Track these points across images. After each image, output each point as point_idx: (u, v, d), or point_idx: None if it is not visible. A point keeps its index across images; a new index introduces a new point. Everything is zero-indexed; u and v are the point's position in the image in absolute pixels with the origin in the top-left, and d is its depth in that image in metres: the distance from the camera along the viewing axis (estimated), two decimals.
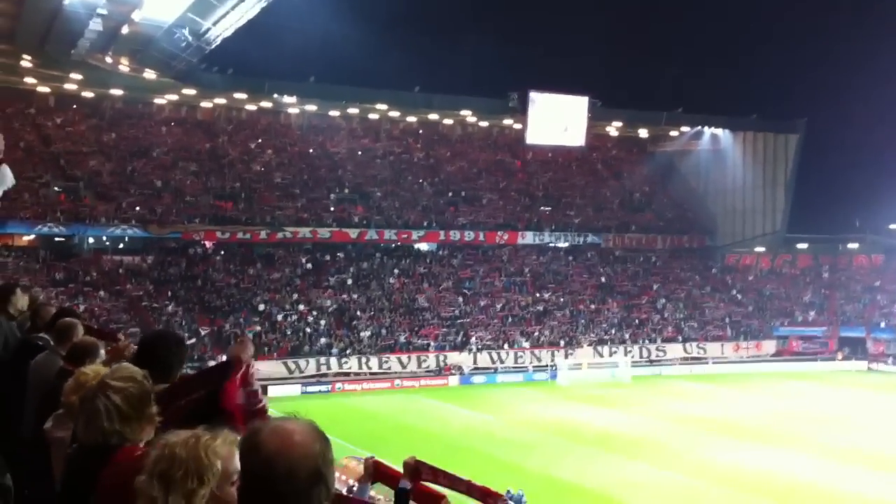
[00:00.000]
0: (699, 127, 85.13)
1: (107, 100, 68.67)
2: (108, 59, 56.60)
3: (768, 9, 79.89)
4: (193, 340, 52.89)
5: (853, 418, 48.06)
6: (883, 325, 73.20)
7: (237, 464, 2.54)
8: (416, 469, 5.31)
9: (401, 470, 5.40)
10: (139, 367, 3.85)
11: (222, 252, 66.22)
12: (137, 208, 63.32)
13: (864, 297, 77.74)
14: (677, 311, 74.05)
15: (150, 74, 60.66)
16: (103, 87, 64.90)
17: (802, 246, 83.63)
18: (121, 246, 63.85)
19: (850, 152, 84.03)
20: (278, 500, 2.23)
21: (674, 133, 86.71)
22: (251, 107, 73.98)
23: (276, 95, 70.93)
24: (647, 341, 69.16)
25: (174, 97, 69.98)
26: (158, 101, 71.25)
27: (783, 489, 33.50)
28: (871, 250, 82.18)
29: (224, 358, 4.32)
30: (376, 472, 5.46)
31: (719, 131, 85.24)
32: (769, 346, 72.62)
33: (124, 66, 58.68)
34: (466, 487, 5.40)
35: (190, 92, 67.50)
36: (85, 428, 3.45)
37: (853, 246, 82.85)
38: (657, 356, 68.18)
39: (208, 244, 65.97)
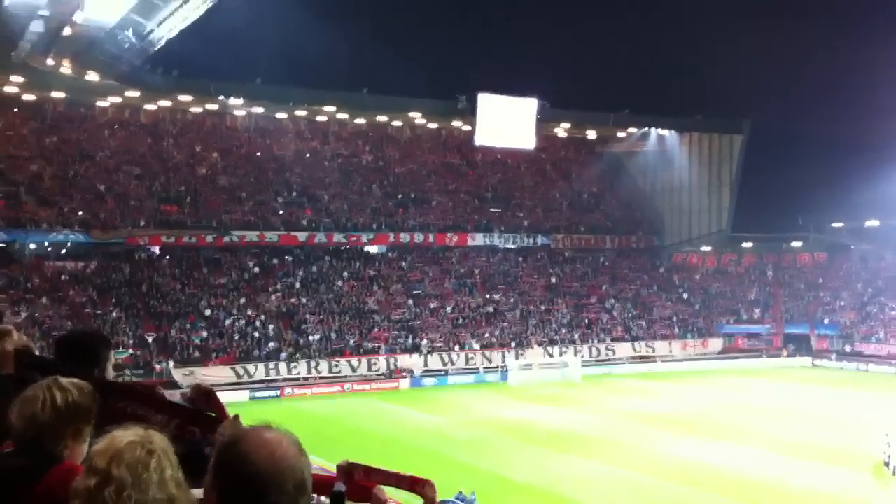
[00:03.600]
0: (646, 128, 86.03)
1: (48, 102, 67.27)
2: (50, 62, 55.52)
3: (713, 10, 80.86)
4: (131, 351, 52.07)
5: (798, 412, 48.81)
6: (826, 321, 74.63)
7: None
8: (350, 471, 5.35)
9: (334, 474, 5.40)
10: (57, 363, 3.65)
11: (167, 257, 65.24)
12: (80, 213, 62.13)
13: (807, 294, 79.17)
14: (626, 310, 74.69)
15: (92, 76, 59.59)
16: (45, 89, 63.58)
17: (747, 245, 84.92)
18: (63, 252, 62.51)
19: (794, 152, 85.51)
20: None
21: (621, 134, 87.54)
22: (196, 109, 73.00)
23: (221, 97, 70.11)
24: (596, 341, 69.64)
25: (118, 100, 68.75)
26: (101, 103, 69.95)
27: (731, 482, 33.83)
28: (814, 248, 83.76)
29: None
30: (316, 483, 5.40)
31: (666, 132, 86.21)
32: (716, 343, 73.59)
33: (66, 68, 57.60)
34: (396, 480, 5.46)
35: (134, 94, 66.38)
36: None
37: (797, 244, 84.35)
38: (606, 355, 68.68)
39: (153, 249, 64.92)
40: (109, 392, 3.96)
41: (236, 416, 3.95)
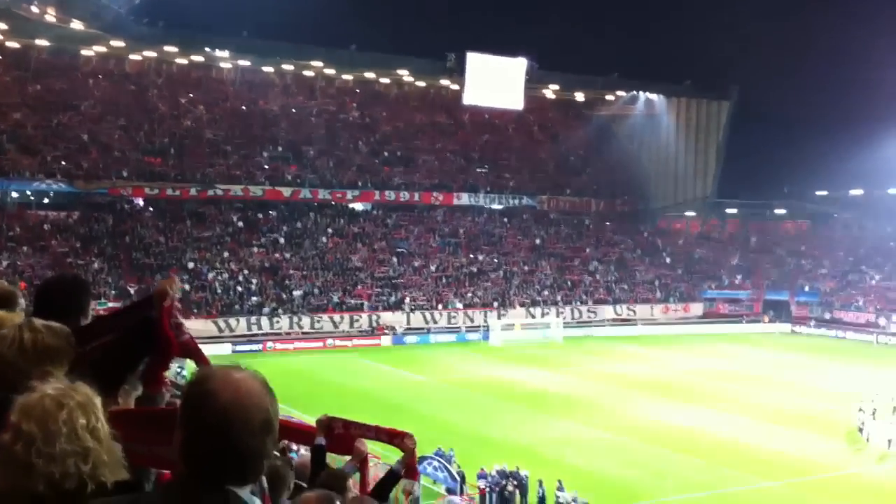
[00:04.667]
0: (634, 92, 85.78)
1: (32, 51, 66.32)
2: (35, 9, 54.70)
3: None
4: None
5: (776, 379, 49.31)
6: (807, 288, 75.17)
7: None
8: (330, 425, 5.44)
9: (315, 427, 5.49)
10: (36, 313, 3.60)
11: (151, 209, 64.87)
12: (63, 163, 61.57)
13: (789, 261, 79.65)
14: (609, 273, 74.97)
15: (77, 25, 58.78)
16: (29, 37, 62.74)
17: (731, 211, 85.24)
18: (46, 201, 62.12)
19: (780, 120, 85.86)
20: (231, 451, 2.15)
21: (610, 97, 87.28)
22: (182, 60, 72.20)
23: (207, 49, 69.42)
24: (578, 303, 69.95)
25: (102, 49, 67.90)
26: (86, 52, 69.09)
27: (708, 446, 34.28)
28: (797, 216, 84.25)
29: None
30: (288, 430, 5.51)
31: (654, 97, 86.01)
32: (697, 308, 74.06)
33: (51, 16, 56.78)
34: (375, 433, 5.58)
35: (119, 44, 65.57)
36: None
37: (780, 211, 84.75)
38: (588, 317, 69.03)
39: (137, 200, 64.52)
40: (87, 339, 3.96)
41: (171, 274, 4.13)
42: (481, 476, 27.84)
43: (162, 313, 3.84)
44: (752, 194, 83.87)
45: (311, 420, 5.66)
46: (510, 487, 27.19)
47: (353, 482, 5.47)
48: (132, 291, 55.57)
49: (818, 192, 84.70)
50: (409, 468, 5.42)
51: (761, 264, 79.38)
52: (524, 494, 27.43)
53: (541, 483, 27.01)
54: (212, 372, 2.25)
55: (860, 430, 36.78)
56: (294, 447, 10.76)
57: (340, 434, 5.55)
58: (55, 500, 2.29)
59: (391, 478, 5.40)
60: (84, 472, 2.32)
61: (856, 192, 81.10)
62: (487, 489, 27.35)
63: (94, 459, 2.34)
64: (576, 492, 26.16)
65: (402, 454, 5.37)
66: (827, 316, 71.54)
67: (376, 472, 5.82)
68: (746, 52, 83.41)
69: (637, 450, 33.89)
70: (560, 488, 26.54)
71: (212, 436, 2.15)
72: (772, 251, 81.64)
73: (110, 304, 53.00)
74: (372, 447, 5.75)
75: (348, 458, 5.52)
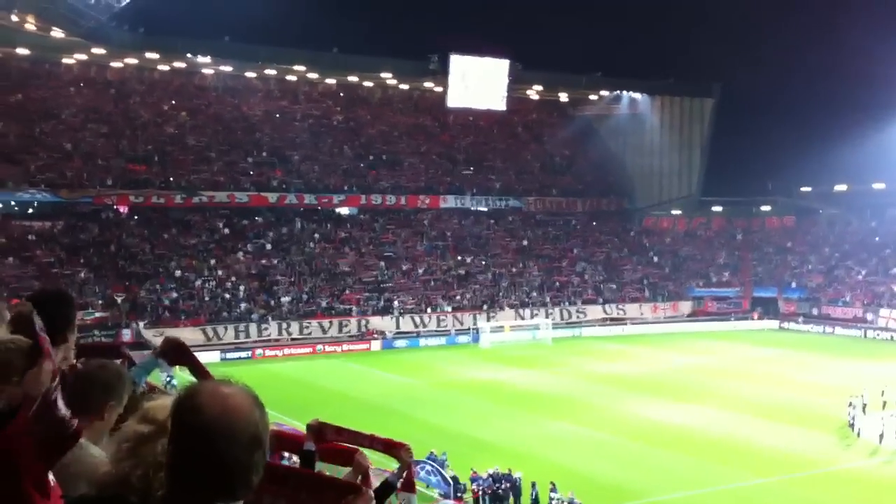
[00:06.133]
0: (618, 91, 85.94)
1: (12, 59, 65.75)
2: (14, 18, 54.31)
3: None
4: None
5: (766, 375, 49.42)
6: (794, 285, 75.42)
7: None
8: (321, 430, 5.28)
9: (304, 433, 5.33)
10: (16, 330, 3.46)
11: (136, 217, 64.46)
12: (46, 172, 61.14)
13: (775, 258, 79.88)
14: (596, 273, 75.01)
15: (57, 33, 58.40)
16: (9, 45, 62.21)
17: (717, 209, 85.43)
18: (30, 211, 61.76)
19: (764, 116, 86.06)
20: (218, 466, 2.12)
21: (593, 97, 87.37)
22: (164, 67, 71.84)
23: (189, 55, 69.07)
24: (567, 303, 69.94)
25: (83, 57, 67.45)
26: (67, 60, 68.64)
27: (700, 443, 34.27)
28: (782, 212, 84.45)
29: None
30: (280, 440, 5.38)
31: (637, 95, 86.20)
32: (685, 306, 74.18)
33: (31, 24, 56.40)
34: (370, 441, 5.42)
35: (100, 51, 65.17)
36: None
37: (766, 208, 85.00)
38: (577, 318, 69.03)
39: (121, 209, 64.12)
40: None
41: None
42: (474, 479, 27.73)
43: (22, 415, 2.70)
44: (737, 191, 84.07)
45: (300, 425, 5.50)
46: (503, 490, 27.09)
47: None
48: (119, 300, 55.25)
49: (803, 189, 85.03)
50: (406, 482, 5.28)
51: (748, 261, 79.60)
52: (517, 497, 27.32)
53: (534, 485, 26.91)
54: (201, 387, 2.22)
55: (851, 424, 36.84)
56: (286, 455, 10.59)
57: (333, 441, 5.41)
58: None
59: (386, 489, 5.26)
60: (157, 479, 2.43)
61: (840, 187, 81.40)
62: (481, 492, 27.25)
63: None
64: (572, 493, 26.05)
65: (397, 464, 5.23)
66: (815, 312, 71.78)
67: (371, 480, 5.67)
68: (729, 50, 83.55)
69: (629, 449, 33.84)
70: (553, 490, 26.45)
71: (199, 451, 2.12)
72: (758, 248, 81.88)
73: (97, 314, 52.78)
74: (380, 460, 5.58)
75: (346, 469, 5.36)
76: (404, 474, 5.26)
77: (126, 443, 2.53)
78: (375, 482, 5.30)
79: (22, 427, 2.89)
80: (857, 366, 51.79)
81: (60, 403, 2.86)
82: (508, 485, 27.29)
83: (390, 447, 5.39)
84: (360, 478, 5.30)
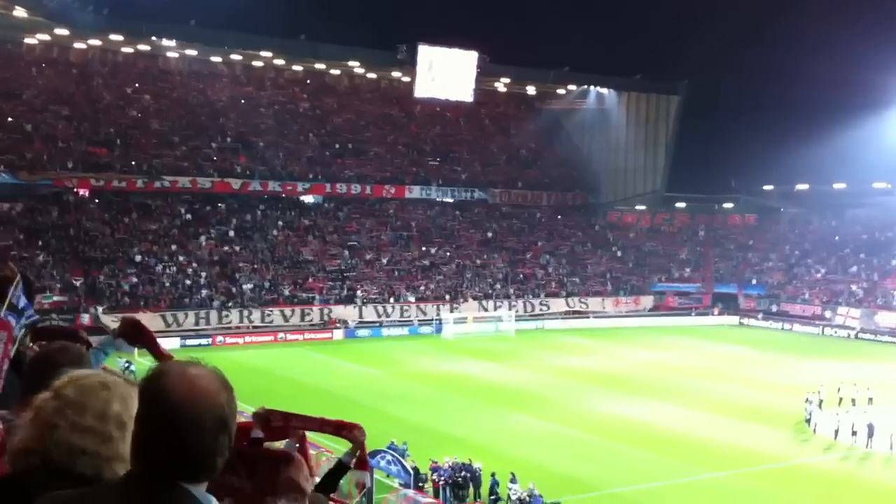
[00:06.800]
0: (585, 86, 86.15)
1: None
2: None
3: None
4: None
5: (725, 370, 49.92)
6: (754, 281, 76.27)
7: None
8: (267, 418, 5.22)
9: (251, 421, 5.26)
10: None
11: (96, 200, 63.57)
12: (6, 154, 60.04)
13: (737, 255, 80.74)
14: (561, 266, 75.29)
15: (20, 12, 57.38)
16: None
17: (681, 205, 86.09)
18: None
19: (728, 115, 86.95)
20: (182, 448, 2.11)
21: (561, 91, 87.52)
22: (128, 49, 70.83)
23: (154, 38, 68.16)
24: (531, 296, 70.12)
25: (46, 37, 66.33)
26: (29, 40, 67.48)
27: (657, 437, 34.52)
28: (745, 210, 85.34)
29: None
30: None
31: (604, 91, 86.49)
32: (647, 301, 74.70)
33: None
34: (319, 425, 5.36)
35: (63, 32, 64.04)
36: None
37: (728, 206, 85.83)
38: (541, 310, 69.24)
39: (82, 192, 63.19)
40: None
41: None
42: (434, 469, 27.72)
43: None
44: (700, 188, 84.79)
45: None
46: (462, 479, 27.10)
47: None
48: (77, 284, 54.49)
49: (765, 187, 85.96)
50: (359, 460, 5.23)
51: (710, 257, 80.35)
52: (477, 487, 27.35)
53: (493, 475, 26.94)
54: (168, 368, 2.19)
55: (807, 420, 37.34)
56: None
57: (279, 427, 5.33)
58: (67, 479, 2.35)
59: (339, 469, 5.19)
60: (101, 456, 2.39)
61: (802, 187, 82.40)
62: (441, 482, 27.24)
63: (114, 450, 2.40)
64: (532, 484, 26.09)
65: (351, 446, 5.18)
66: (774, 308, 72.66)
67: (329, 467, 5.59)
68: (696, 47, 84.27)
69: (588, 442, 34.03)
70: (513, 481, 26.51)
71: (164, 433, 2.11)
72: (720, 244, 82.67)
73: (56, 298, 52.00)
74: (323, 442, 5.49)
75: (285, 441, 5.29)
76: (357, 453, 5.20)
77: (28, 414, 2.51)
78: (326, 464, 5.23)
79: None
80: (815, 363, 52.50)
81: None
82: (468, 475, 27.31)
83: (341, 428, 5.32)
84: (296, 445, 5.27)
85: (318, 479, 5.07)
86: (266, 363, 48.59)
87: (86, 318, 51.05)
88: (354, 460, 5.19)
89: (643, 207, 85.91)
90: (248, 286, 60.57)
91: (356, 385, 43.88)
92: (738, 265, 79.04)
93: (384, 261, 68.92)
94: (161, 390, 2.12)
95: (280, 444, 5.36)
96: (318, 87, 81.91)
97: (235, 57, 74.64)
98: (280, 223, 68.65)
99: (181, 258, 60.94)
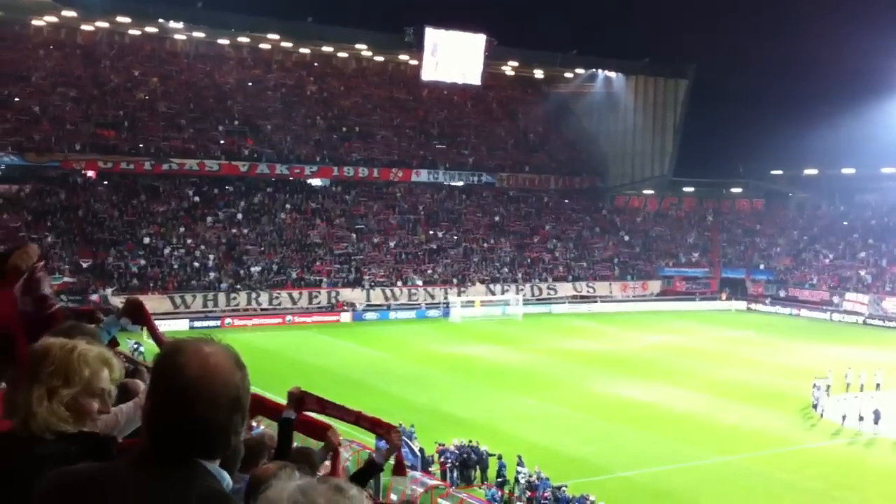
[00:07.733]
0: (593, 69, 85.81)
1: None
2: None
3: None
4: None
5: (733, 355, 49.90)
6: (762, 266, 76.12)
7: (104, 382, 2.69)
8: (301, 399, 5.19)
9: (284, 402, 5.23)
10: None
11: (105, 182, 63.61)
12: (14, 136, 60.10)
13: (744, 240, 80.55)
14: (568, 251, 75.22)
15: None
16: None
17: (688, 189, 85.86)
18: None
19: (737, 99, 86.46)
20: (197, 425, 2.13)
21: (568, 75, 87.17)
22: (135, 31, 70.69)
23: (161, 20, 67.98)
24: (538, 280, 70.12)
25: (53, 19, 66.24)
26: (36, 22, 67.36)
27: (665, 421, 34.55)
28: (752, 195, 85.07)
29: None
30: (262, 405, 5.28)
31: (613, 74, 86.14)
32: (655, 285, 74.66)
33: None
34: (355, 418, 5.30)
35: (70, 14, 63.98)
36: None
37: (736, 190, 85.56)
38: (548, 294, 69.25)
39: (90, 174, 63.25)
40: None
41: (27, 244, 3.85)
42: (441, 451, 27.80)
43: (11, 284, 3.58)
44: (708, 173, 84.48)
45: (274, 396, 5.38)
46: (470, 462, 27.17)
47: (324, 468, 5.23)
48: (85, 266, 54.61)
49: (773, 172, 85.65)
50: (397, 464, 5.17)
51: (717, 242, 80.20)
52: (484, 469, 27.43)
53: (500, 458, 27.00)
54: (183, 345, 2.19)
55: (814, 405, 37.31)
56: (254, 423, 10.50)
57: (313, 411, 5.30)
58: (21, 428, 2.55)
59: (371, 469, 5.16)
60: (61, 396, 2.60)
61: (810, 171, 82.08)
62: (448, 465, 27.32)
63: (67, 399, 2.60)
64: (538, 466, 26.17)
65: (373, 439, 5.13)
66: (782, 294, 72.54)
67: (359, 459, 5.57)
68: (704, 31, 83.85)
69: (595, 425, 34.08)
70: (520, 463, 26.57)
71: (178, 409, 2.12)
72: (728, 229, 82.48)
73: (65, 279, 52.12)
74: (350, 432, 5.47)
75: (320, 444, 5.28)
76: (392, 457, 5.14)
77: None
78: (346, 455, 5.22)
79: (10, 295, 3.45)
80: (823, 348, 52.43)
81: (45, 284, 3.41)
82: (475, 457, 27.39)
83: (376, 426, 5.28)
84: (329, 455, 5.23)
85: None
86: (274, 345, 48.69)
87: (94, 299, 51.19)
88: (385, 462, 5.13)
89: (651, 192, 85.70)
90: (255, 269, 60.66)
91: (364, 368, 43.98)
92: (746, 250, 78.87)
93: (391, 244, 68.93)
94: (176, 367, 2.13)
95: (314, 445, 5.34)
96: (325, 70, 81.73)
97: (242, 39, 74.48)
98: (287, 206, 68.66)
99: (189, 240, 61.04)
